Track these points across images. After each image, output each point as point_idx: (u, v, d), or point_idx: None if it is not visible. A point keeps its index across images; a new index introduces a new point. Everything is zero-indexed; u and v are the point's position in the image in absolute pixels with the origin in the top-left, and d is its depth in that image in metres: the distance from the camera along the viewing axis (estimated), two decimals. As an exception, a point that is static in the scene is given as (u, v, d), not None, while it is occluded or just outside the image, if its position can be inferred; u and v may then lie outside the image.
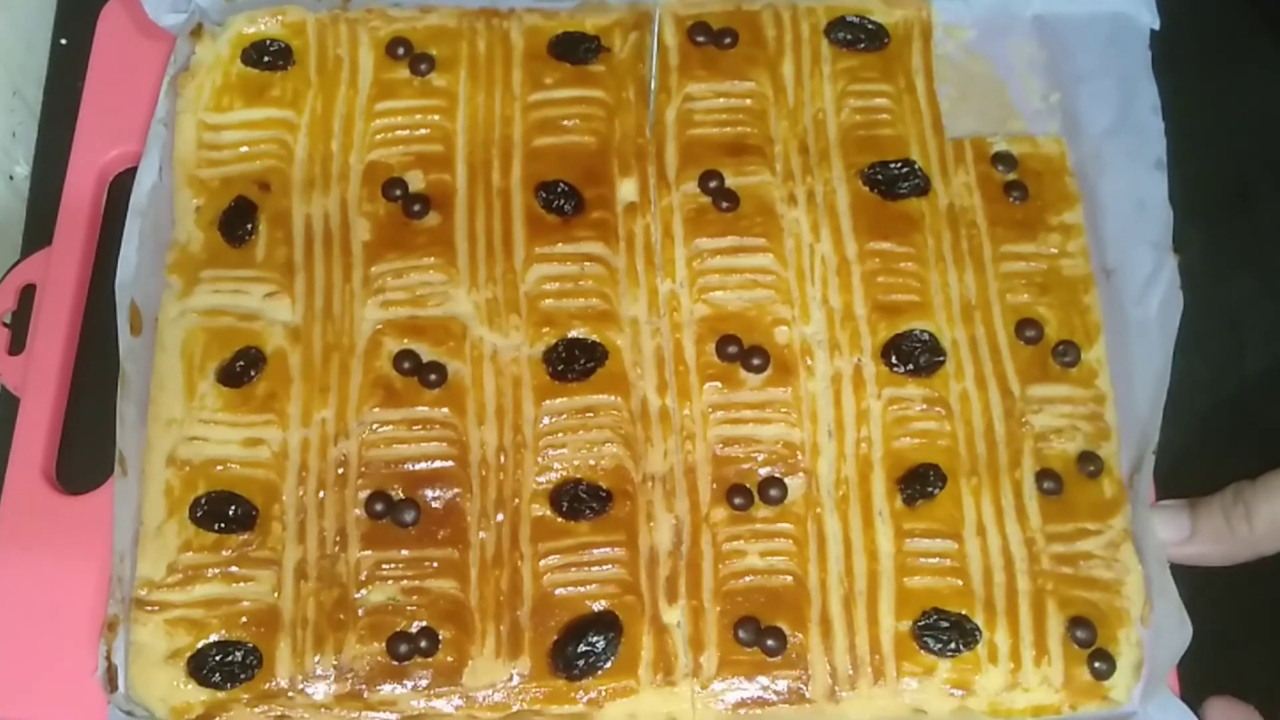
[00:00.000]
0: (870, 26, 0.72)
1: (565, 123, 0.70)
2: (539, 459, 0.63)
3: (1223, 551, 0.60)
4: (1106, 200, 0.69)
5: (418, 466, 0.63)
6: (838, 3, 0.73)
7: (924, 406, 0.64)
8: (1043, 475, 0.63)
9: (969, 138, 0.71)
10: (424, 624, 0.61)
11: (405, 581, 0.61)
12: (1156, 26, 0.72)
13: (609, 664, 0.60)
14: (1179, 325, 0.65)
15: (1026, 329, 0.66)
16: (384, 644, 0.60)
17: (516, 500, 0.63)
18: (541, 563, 0.62)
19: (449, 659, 0.60)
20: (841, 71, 0.71)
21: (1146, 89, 0.70)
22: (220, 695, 0.60)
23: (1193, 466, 0.65)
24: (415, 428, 0.64)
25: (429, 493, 0.63)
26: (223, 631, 0.60)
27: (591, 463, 0.63)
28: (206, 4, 0.73)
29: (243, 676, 0.60)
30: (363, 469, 0.63)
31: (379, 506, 0.62)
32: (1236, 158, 0.75)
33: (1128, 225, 0.68)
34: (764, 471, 0.63)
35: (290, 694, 0.60)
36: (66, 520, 0.64)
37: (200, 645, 0.60)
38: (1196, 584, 0.61)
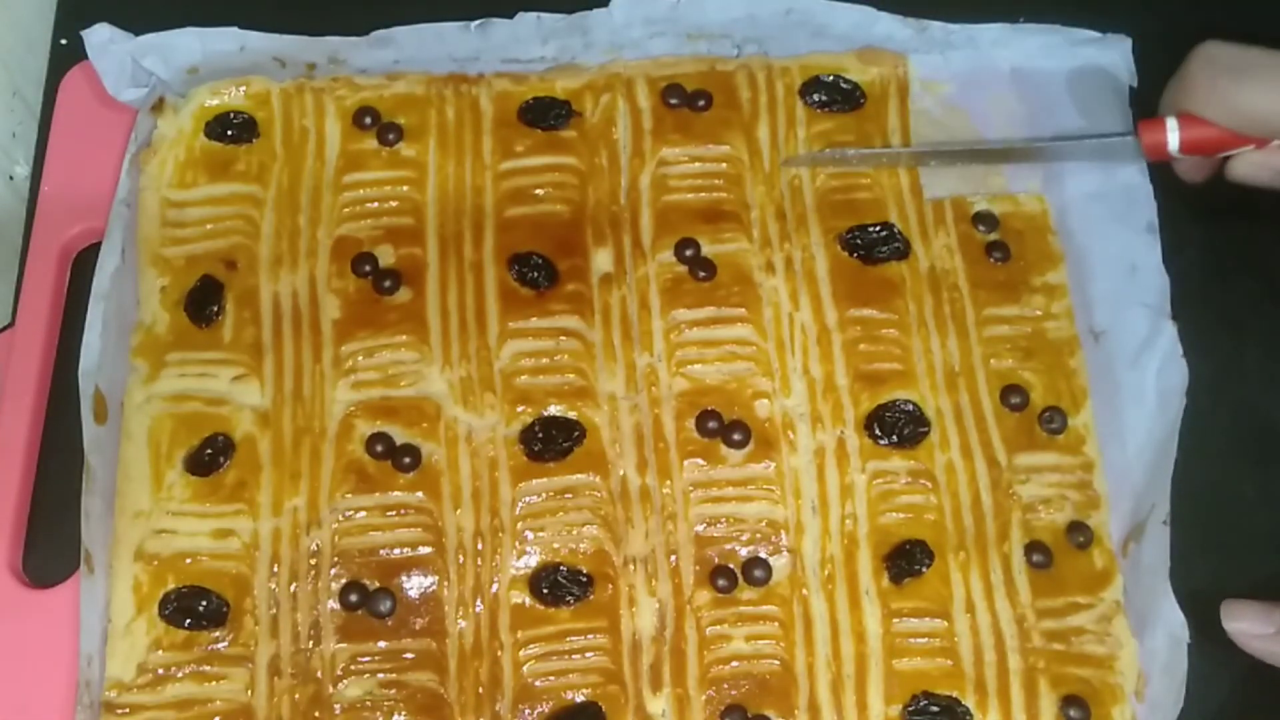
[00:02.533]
0: (845, 86, 0.71)
1: (537, 191, 0.68)
2: (517, 543, 0.62)
3: None
4: (1095, 262, 0.68)
5: (393, 554, 0.62)
6: (812, 61, 0.72)
7: (909, 480, 0.63)
8: (1031, 548, 0.62)
9: (949, 198, 0.69)
10: (402, 719, 0.59)
11: (382, 675, 0.60)
12: (1135, 85, 0.71)
13: (594, 757, 0.59)
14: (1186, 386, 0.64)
15: (1012, 395, 0.65)
16: (362, 741, 0.59)
17: (495, 587, 0.61)
18: (522, 652, 0.60)
19: (428, 755, 0.59)
20: (817, 135, 0.70)
21: None
22: (194, 800, 0.58)
23: (1193, 467, 0.64)
24: (389, 514, 0.62)
25: (405, 581, 0.61)
26: (195, 734, 0.59)
27: (571, 546, 0.62)
28: (168, 76, 0.71)
29: (217, 780, 0.58)
30: (336, 558, 0.61)
31: (353, 597, 0.61)
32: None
33: (1119, 288, 0.67)
34: (747, 551, 0.62)
35: (267, 796, 0.58)
36: (34, 615, 0.63)
37: (172, 749, 0.59)
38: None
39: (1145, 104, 0.71)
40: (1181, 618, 0.60)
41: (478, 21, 0.72)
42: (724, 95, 0.70)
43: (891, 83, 0.71)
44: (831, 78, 0.71)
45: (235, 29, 0.72)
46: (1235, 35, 0.69)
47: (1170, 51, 0.72)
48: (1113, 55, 0.72)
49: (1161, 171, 0.69)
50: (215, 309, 0.66)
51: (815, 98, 0.71)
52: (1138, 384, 0.65)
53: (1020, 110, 0.72)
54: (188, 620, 0.60)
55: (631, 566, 0.62)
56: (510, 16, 0.72)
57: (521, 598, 0.61)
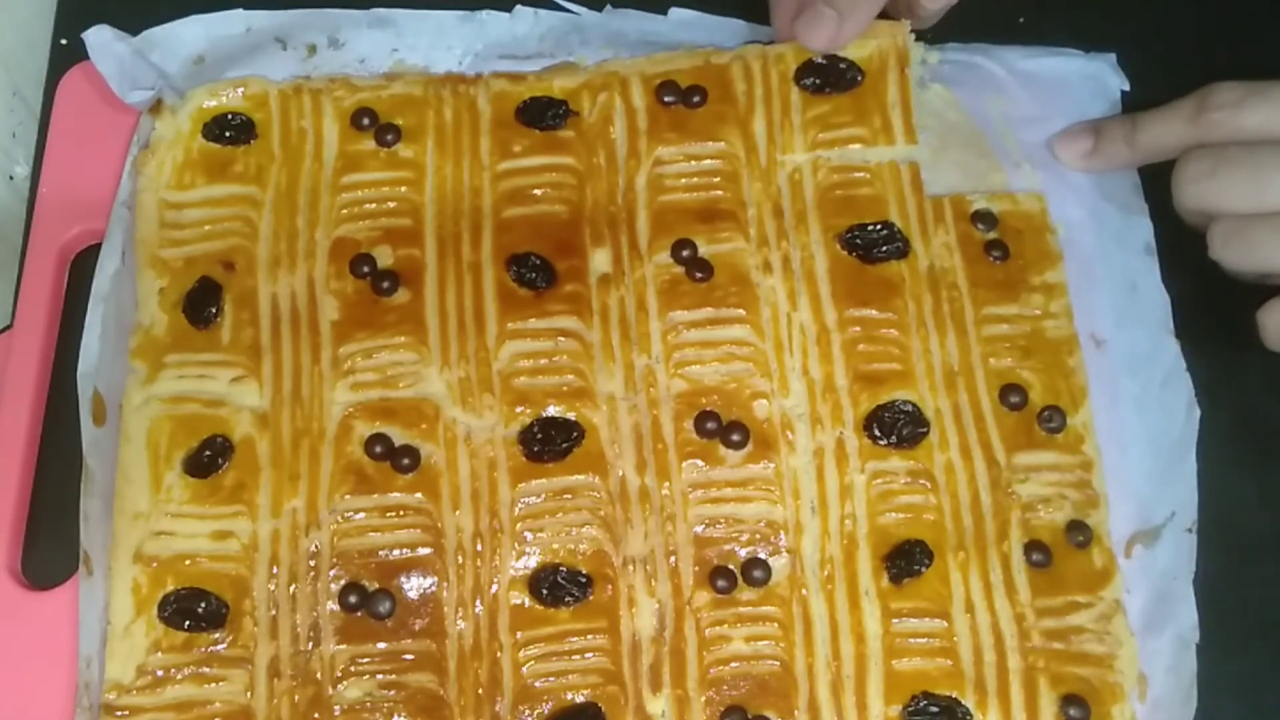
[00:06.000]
0: (841, 66, 0.70)
1: (535, 192, 0.68)
2: (516, 544, 0.62)
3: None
4: (1098, 275, 0.68)
5: (392, 555, 0.62)
6: None
7: (908, 480, 0.63)
8: (1031, 547, 0.62)
9: (949, 195, 0.69)
10: (402, 720, 0.59)
11: (382, 676, 0.60)
12: (1126, 88, 0.72)
13: (593, 757, 0.59)
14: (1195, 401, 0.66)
15: (1010, 395, 0.65)
16: (361, 743, 0.59)
17: (495, 588, 0.61)
18: (521, 653, 0.60)
19: (428, 756, 0.59)
20: (812, 120, 0.69)
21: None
22: (195, 802, 0.58)
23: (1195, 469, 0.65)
24: (389, 515, 0.62)
25: (404, 583, 0.61)
26: (194, 736, 0.59)
27: (571, 546, 0.62)
28: (175, 69, 0.71)
29: (216, 782, 0.58)
30: (335, 560, 0.61)
31: (353, 598, 0.61)
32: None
33: (1120, 304, 0.68)
34: (746, 552, 0.62)
35: (267, 797, 0.58)
36: (33, 617, 0.63)
37: (172, 751, 0.59)
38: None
39: (1163, 43, 0.72)
40: (1194, 620, 0.60)
41: (477, 13, 0.72)
42: (719, 90, 0.70)
43: (890, 54, 0.70)
44: (825, 59, 0.70)
45: (240, 11, 0.72)
46: (1228, 44, 0.70)
47: (1156, 61, 0.72)
48: (1100, 65, 0.73)
49: (1162, 183, 0.69)
50: (213, 310, 0.66)
51: (810, 81, 0.70)
52: (1140, 390, 0.66)
53: (1016, 111, 0.72)
54: (187, 622, 0.60)
55: (631, 567, 0.62)
56: (508, 10, 0.73)
57: (521, 598, 0.61)
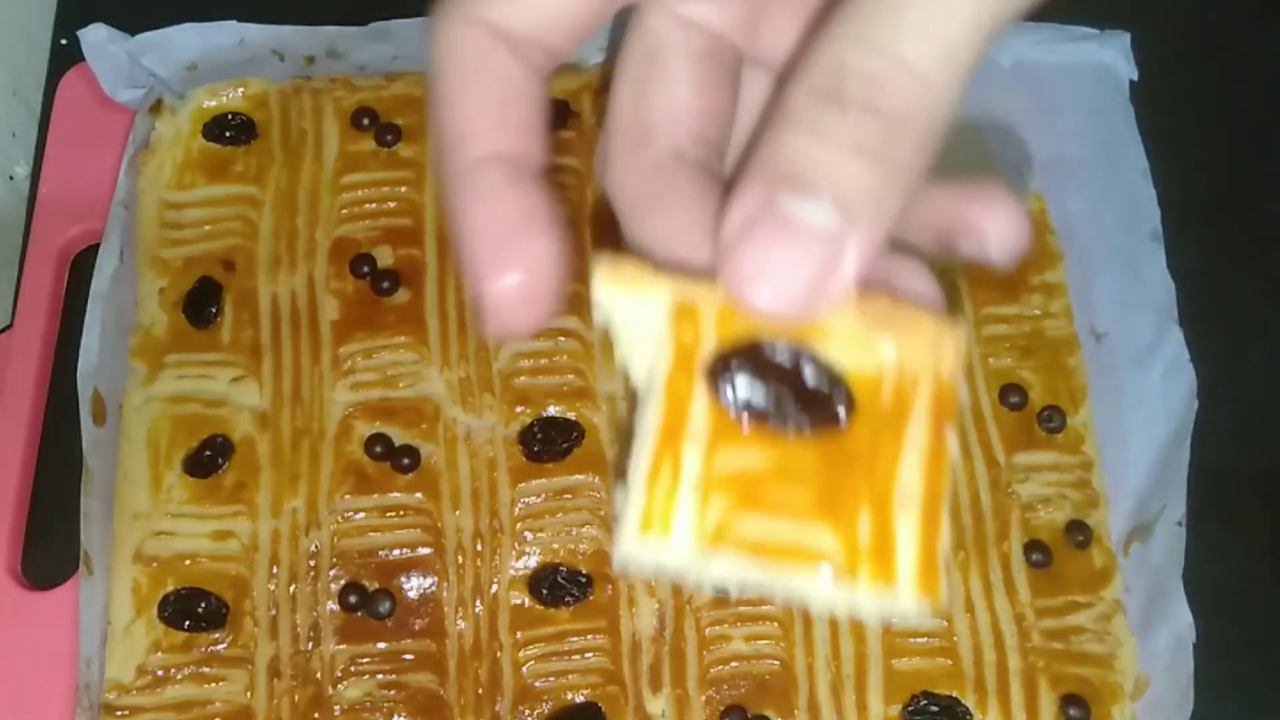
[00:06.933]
0: None
1: (536, 192, 0.68)
2: (516, 544, 0.62)
3: None
4: (1099, 264, 0.68)
5: (392, 555, 0.62)
6: None
7: (909, 478, 0.63)
8: (1031, 547, 0.62)
9: (947, 196, 0.69)
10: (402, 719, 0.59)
11: (382, 676, 0.60)
12: (1135, 78, 0.71)
13: (593, 757, 0.59)
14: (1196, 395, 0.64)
15: (1010, 395, 0.65)
16: (361, 742, 0.59)
17: (494, 588, 0.61)
18: (521, 653, 0.60)
19: (429, 755, 0.59)
20: None
21: (1134, 151, 0.69)
22: (194, 802, 0.58)
23: (1194, 467, 0.64)
24: (389, 515, 0.62)
25: (404, 582, 0.61)
26: (194, 735, 0.59)
27: (571, 546, 0.62)
28: (167, 74, 0.71)
29: (216, 782, 0.58)
30: (335, 560, 0.61)
31: (353, 598, 0.61)
32: (1236, 156, 0.74)
33: (1123, 291, 0.67)
34: (746, 551, 0.62)
35: (266, 797, 0.58)
36: (33, 617, 0.62)
37: (172, 751, 0.59)
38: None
39: (1145, 98, 0.71)
40: (1190, 619, 0.60)
41: None
42: (722, 95, 0.70)
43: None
44: None
45: (234, 22, 0.71)
46: (1231, 26, 0.70)
47: (1168, 45, 0.72)
48: (1111, 50, 0.72)
49: (1164, 177, 0.69)
50: (213, 310, 0.66)
51: None
52: (1141, 385, 0.65)
53: (1020, 105, 0.72)
54: (187, 622, 0.60)
55: (631, 566, 0.62)
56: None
57: (521, 598, 0.61)
